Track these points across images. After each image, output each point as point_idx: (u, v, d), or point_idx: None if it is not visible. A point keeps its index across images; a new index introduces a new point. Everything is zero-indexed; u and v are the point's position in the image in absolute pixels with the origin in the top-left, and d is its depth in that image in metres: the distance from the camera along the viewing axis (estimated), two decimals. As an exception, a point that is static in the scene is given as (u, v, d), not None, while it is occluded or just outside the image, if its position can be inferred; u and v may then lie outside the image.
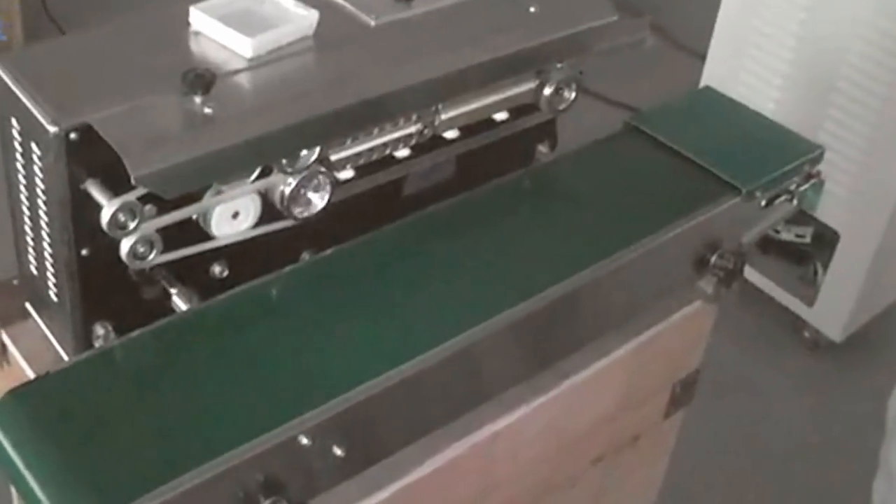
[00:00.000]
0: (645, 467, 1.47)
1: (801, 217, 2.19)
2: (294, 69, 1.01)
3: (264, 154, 0.97)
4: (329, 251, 1.04)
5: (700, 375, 1.43)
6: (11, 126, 0.97)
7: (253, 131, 0.94)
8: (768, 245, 2.41)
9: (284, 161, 0.99)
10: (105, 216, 0.91)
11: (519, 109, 1.21)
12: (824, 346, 2.37)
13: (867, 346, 2.40)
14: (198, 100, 0.93)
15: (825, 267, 2.30)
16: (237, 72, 0.98)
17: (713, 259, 1.19)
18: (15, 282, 1.12)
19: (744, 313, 2.42)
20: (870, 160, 2.15)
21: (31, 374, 1.06)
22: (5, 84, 0.95)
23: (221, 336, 0.94)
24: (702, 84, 2.30)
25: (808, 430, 2.26)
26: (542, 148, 1.30)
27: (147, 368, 0.92)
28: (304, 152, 1.00)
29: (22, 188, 0.99)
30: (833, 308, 2.31)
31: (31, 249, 1.03)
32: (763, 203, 1.23)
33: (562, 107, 1.23)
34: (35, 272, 1.04)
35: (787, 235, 2.40)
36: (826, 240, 2.29)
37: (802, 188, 1.28)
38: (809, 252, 2.41)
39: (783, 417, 2.29)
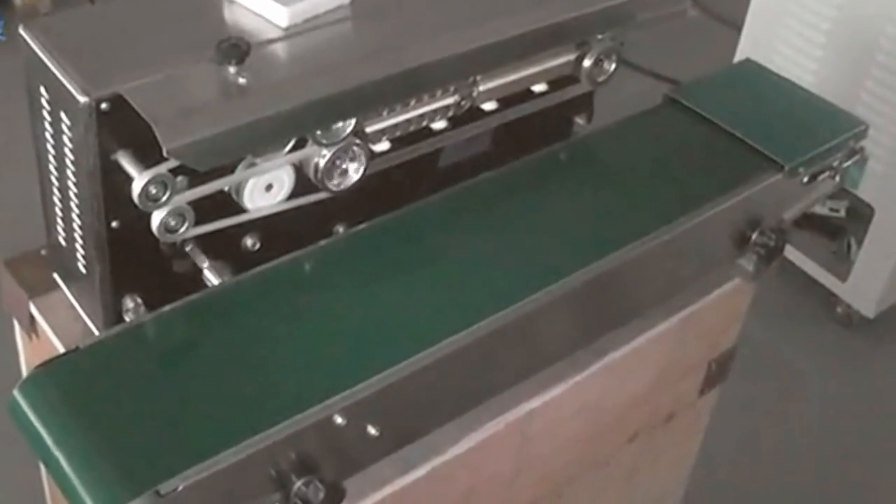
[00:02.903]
0: (678, 446, 1.45)
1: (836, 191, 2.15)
2: (330, 39, 0.98)
3: (299, 126, 0.95)
4: (365, 225, 1.02)
5: (736, 353, 1.40)
6: (40, 95, 0.94)
7: (288, 102, 0.91)
8: (801, 219, 2.35)
9: (319, 133, 0.97)
10: (136, 189, 0.89)
11: (558, 81, 1.18)
12: (857, 322, 2.34)
13: (901, 322, 2.37)
14: (232, 70, 0.90)
15: (859, 242, 2.26)
16: (272, 41, 0.96)
17: (754, 236, 1.16)
18: (42, 252, 1.10)
19: (775, 288, 2.39)
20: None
21: (60, 347, 1.05)
22: (33, 52, 0.93)
23: (255, 313, 0.92)
24: (738, 55, 2.26)
25: (838, 407, 2.23)
26: (580, 120, 1.27)
27: (179, 344, 0.90)
28: (340, 124, 0.98)
29: (51, 158, 0.97)
30: (867, 284, 2.27)
31: (59, 220, 1.01)
32: (805, 180, 1.20)
33: (601, 78, 1.19)
34: (63, 243, 1.02)
35: (820, 209, 2.37)
36: (861, 214, 2.25)
37: (845, 165, 1.25)
38: (843, 226, 2.37)
39: (814, 394, 2.26)
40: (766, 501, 2.04)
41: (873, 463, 1.99)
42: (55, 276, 1.08)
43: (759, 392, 2.20)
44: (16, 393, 0.83)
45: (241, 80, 0.90)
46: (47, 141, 0.96)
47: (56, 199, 1.00)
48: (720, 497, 1.97)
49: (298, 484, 0.83)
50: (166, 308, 0.91)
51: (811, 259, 2.37)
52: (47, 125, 0.95)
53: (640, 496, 1.45)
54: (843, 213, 2.37)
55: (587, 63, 1.17)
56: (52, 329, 1.07)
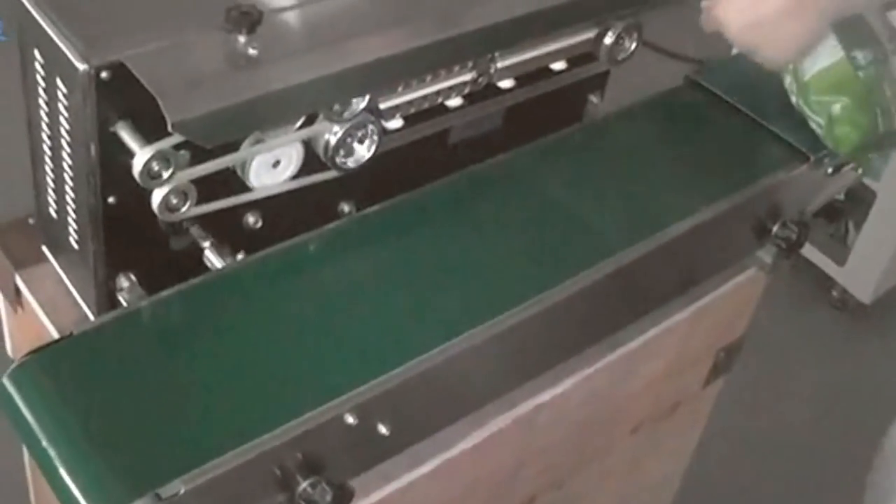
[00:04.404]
0: (681, 435, 1.42)
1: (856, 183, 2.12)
2: (346, 9, 0.92)
3: (312, 101, 0.89)
4: (376, 208, 0.97)
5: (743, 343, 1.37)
6: (34, 59, 0.88)
7: (301, 76, 0.85)
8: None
9: (332, 109, 0.91)
10: (137, 165, 0.83)
11: (576, 59, 1.12)
12: (852, 307, 2.31)
13: (897, 309, 2.35)
14: (242, 39, 0.84)
15: (858, 226, 2.23)
16: (285, 9, 0.89)
17: (775, 229, 1.12)
18: (31, 220, 1.04)
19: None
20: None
21: (46, 322, 0.99)
22: (26, 10, 0.86)
23: (262, 302, 0.87)
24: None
25: (830, 392, 2.20)
26: (594, 98, 1.22)
27: (179, 334, 0.85)
28: (354, 100, 0.92)
29: (44, 126, 0.91)
30: (864, 269, 2.24)
31: (51, 192, 0.95)
32: (829, 171, 1.15)
33: (621, 57, 1.14)
34: (55, 216, 0.97)
35: (820, 191, 2.33)
36: (861, 198, 2.22)
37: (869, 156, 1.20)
38: (843, 209, 2.34)
39: (806, 378, 2.23)
40: (757, 485, 2.01)
41: (866, 449, 1.96)
42: (44, 248, 1.02)
43: (749, 375, 2.16)
44: (5, 381, 0.78)
45: (252, 51, 0.84)
46: (40, 108, 0.90)
47: (48, 170, 0.94)
48: (713, 481, 1.94)
49: (304, 485, 0.79)
50: (166, 293, 0.86)
51: (809, 241, 2.33)
52: (41, 91, 0.89)
53: (639, 484, 1.42)
54: (842, 196, 2.34)
55: (608, 41, 1.11)
56: (38, 304, 1.01)
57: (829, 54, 1.09)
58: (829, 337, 2.31)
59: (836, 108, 1.09)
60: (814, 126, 1.12)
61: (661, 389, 1.26)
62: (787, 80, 1.13)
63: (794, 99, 1.13)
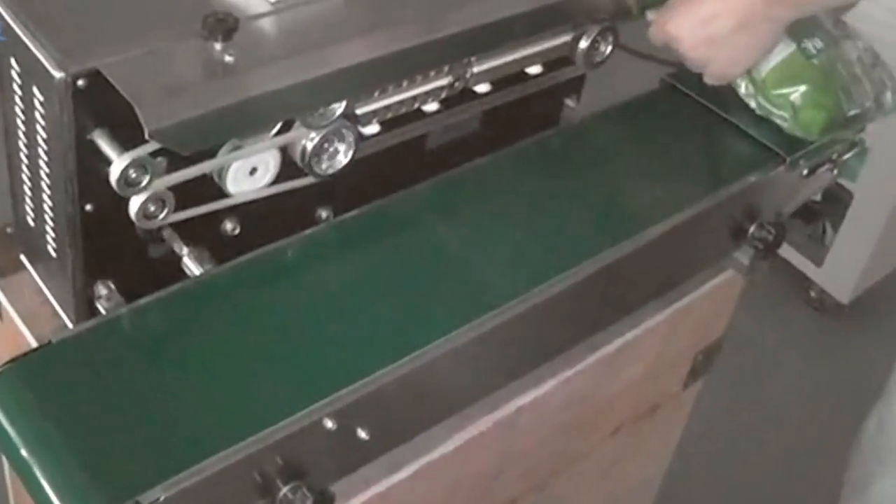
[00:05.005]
0: (661, 437, 1.42)
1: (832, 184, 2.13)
2: (322, 15, 0.92)
3: (289, 107, 0.89)
4: (354, 214, 0.97)
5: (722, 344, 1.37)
6: (10, 66, 0.88)
7: (277, 82, 0.85)
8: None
9: (308, 115, 0.91)
10: (114, 172, 0.83)
11: (552, 63, 1.13)
12: (830, 308, 2.32)
13: (875, 309, 2.35)
14: (218, 46, 0.84)
15: (835, 227, 2.24)
16: (261, 16, 0.89)
17: (752, 230, 1.12)
18: (9, 229, 1.04)
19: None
20: (888, 118, 2.07)
21: (25, 331, 0.99)
22: (2, 18, 0.86)
23: (240, 308, 0.87)
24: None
25: (811, 392, 2.21)
26: (570, 102, 1.22)
27: (158, 341, 0.85)
28: (331, 106, 0.92)
29: (20, 134, 0.91)
30: (842, 269, 2.25)
31: (28, 200, 0.95)
32: (805, 172, 1.16)
33: (597, 60, 1.15)
34: (32, 224, 0.96)
35: (796, 192, 2.34)
36: (838, 198, 2.23)
37: (845, 157, 1.21)
38: (819, 210, 2.35)
39: (786, 379, 2.24)
40: (738, 486, 2.02)
41: (846, 448, 1.98)
42: (22, 257, 1.02)
43: (727, 375, 2.17)
44: (-17, 390, 0.77)
45: (228, 58, 0.85)
46: (17, 116, 0.90)
47: (25, 178, 0.93)
48: (694, 481, 1.94)
49: (285, 490, 0.79)
50: (144, 300, 0.86)
51: (787, 242, 2.34)
52: (17, 99, 0.89)
53: (619, 486, 1.42)
54: (819, 197, 2.35)
55: (583, 45, 1.12)
56: (17, 313, 1.01)
57: (780, 50, 1.09)
58: (808, 337, 2.32)
59: (797, 96, 1.10)
60: (778, 121, 1.12)
61: (641, 391, 1.27)
62: (742, 88, 1.13)
63: (752, 103, 1.13)
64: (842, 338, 2.32)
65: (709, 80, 1.09)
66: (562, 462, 1.23)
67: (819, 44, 1.12)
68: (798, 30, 1.10)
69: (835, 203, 2.26)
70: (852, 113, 1.14)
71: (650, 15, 1.09)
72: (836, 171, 1.21)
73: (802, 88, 1.11)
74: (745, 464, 2.06)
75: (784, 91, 1.11)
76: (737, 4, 1.01)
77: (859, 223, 2.18)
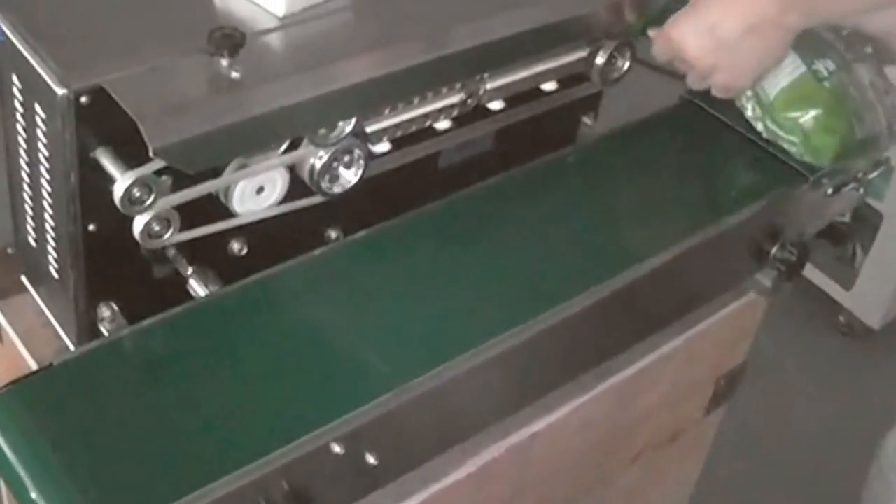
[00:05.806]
0: (683, 464, 1.39)
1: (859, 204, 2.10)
2: (330, 31, 0.90)
3: (297, 125, 0.87)
4: (363, 234, 0.95)
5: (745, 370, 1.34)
6: (12, 83, 0.86)
7: (285, 99, 0.83)
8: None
9: (317, 133, 0.89)
10: (118, 191, 0.82)
11: (567, 79, 1.11)
12: (860, 333, 2.27)
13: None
14: (224, 62, 0.82)
15: (865, 249, 2.19)
16: (268, 32, 0.88)
17: (774, 251, 1.09)
18: (10, 250, 1.02)
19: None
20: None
21: (25, 354, 0.97)
22: (4, 33, 0.85)
23: (245, 330, 0.85)
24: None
25: (839, 420, 2.16)
26: (587, 119, 1.20)
27: (162, 364, 0.83)
28: (339, 123, 0.90)
29: (22, 152, 0.89)
30: (872, 293, 2.20)
31: (30, 220, 0.93)
32: (829, 191, 1.13)
33: (614, 77, 1.12)
34: (34, 244, 0.94)
35: (826, 213, 2.30)
36: (868, 220, 2.18)
37: (870, 176, 1.18)
38: (849, 232, 2.30)
39: (814, 405, 2.19)
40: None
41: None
42: (24, 278, 1.00)
43: (753, 402, 2.13)
44: (-19, 413, 0.76)
45: (235, 74, 0.83)
46: (18, 133, 0.88)
47: (26, 197, 0.92)
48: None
49: (290, 518, 0.77)
50: (147, 322, 0.84)
51: (814, 265, 2.30)
52: (19, 116, 0.87)
53: (640, 515, 1.39)
54: (848, 218, 2.31)
55: (599, 61, 1.10)
56: (17, 335, 0.99)
57: (789, 71, 1.06)
58: (836, 363, 2.27)
59: (808, 119, 1.07)
60: (787, 145, 1.09)
61: (661, 417, 1.24)
62: (749, 109, 1.09)
63: (759, 126, 1.09)
64: (872, 364, 2.27)
65: (716, 91, 1.06)
66: (580, 490, 1.20)
67: (831, 66, 1.08)
68: (808, 51, 1.07)
69: (864, 224, 2.21)
70: (864, 139, 1.10)
71: (651, 32, 1.06)
72: (861, 190, 1.17)
73: (813, 112, 1.07)
74: (770, 492, 2.02)
75: (794, 114, 1.07)
76: (746, 8, 0.98)
77: (890, 245, 2.13)
